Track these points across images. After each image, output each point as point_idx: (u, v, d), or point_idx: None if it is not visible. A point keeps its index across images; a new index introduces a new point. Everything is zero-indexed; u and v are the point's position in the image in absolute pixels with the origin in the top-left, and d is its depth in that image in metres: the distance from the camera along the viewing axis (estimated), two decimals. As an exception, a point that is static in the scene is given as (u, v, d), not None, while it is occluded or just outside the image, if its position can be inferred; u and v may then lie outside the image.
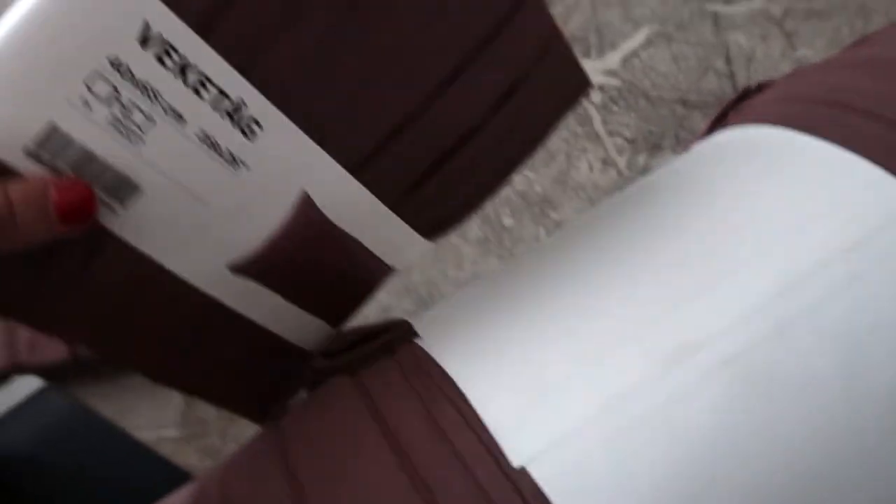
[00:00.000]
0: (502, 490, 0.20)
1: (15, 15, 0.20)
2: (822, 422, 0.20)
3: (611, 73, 0.48)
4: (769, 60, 0.49)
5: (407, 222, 0.28)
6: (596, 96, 0.47)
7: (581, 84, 0.29)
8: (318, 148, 0.25)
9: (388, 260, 0.29)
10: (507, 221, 0.44)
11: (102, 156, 0.22)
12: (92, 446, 0.41)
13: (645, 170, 0.45)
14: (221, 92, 0.23)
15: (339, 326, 0.30)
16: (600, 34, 0.49)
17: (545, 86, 0.28)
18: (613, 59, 0.48)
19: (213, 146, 0.24)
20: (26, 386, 0.46)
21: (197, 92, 0.23)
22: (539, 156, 0.45)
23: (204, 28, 0.22)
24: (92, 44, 0.21)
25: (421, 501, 0.20)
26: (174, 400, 0.39)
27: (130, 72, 0.22)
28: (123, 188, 0.23)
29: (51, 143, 0.22)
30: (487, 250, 0.43)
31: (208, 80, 0.23)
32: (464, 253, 0.43)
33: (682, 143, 0.47)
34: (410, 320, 0.28)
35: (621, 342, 0.22)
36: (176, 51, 0.22)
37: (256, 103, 0.23)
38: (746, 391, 0.21)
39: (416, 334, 0.28)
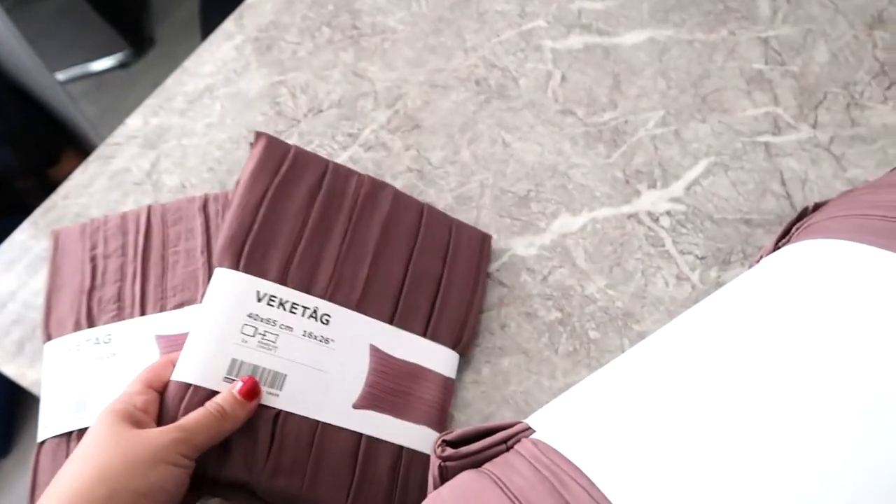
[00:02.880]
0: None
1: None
2: None
3: (676, 200, 0.54)
4: (822, 181, 0.54)
5: (434, 341, 0.45)
6: (665, 220, 0.53)
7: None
8: (365, 316, 0.43)
9: (441, 371, 0.45)
10: (593, 334, 0.48)
11: (260, 365, 0.39)
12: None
13: (718, 283, 0.49)
14: (303, 307, 0.41)
15: (440, 429, 0.44)
16: (663, 168, 0.55)
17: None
18: (677, 188, 0.54)
19: (312, 336, 0.41)
20: None
21: (292, 311, 0.41)
22: (618, 276, 0.50)
23: (281, 280, 0.42)
24: (239, 310, 0.40)
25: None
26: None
27: (258, 316, 0.40)
28: (277, 379, 0.39)
29: (233, 369, 0.39)
30: (577, 362, 0.47)
31: (294, 304, 0.41)
32: (556, 364, 0.47)
33: (748, 258, 0.51)
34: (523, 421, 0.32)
35: (724, 435, 0.26)
36: (275, 297, 0.41)
37: (322, 305, 0.42)
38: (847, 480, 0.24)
39: (532, 431, 0.32)
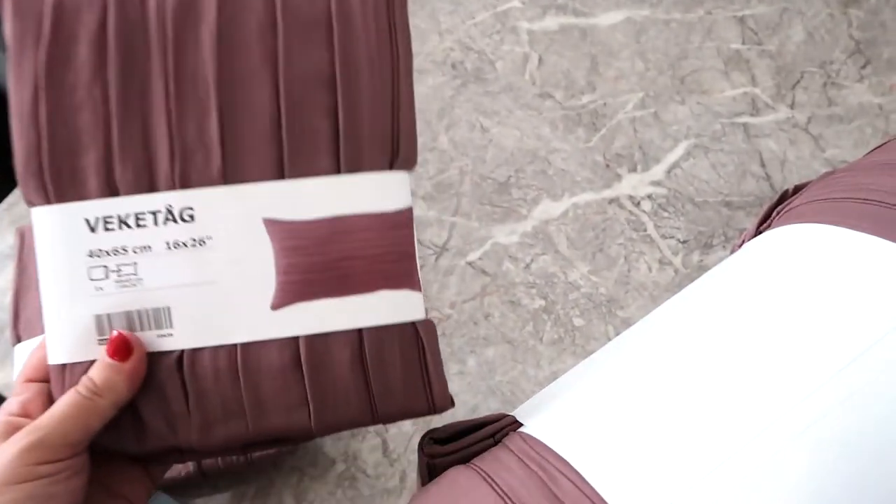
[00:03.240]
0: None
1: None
2: None
3: (657, 183, 0.53)
4: (801, 161, 0.54)
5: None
6: (646, 205, 0.52)
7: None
8: (239, 185, 0.30)
9: (381, 208, 0.31)
10: (578, 322, 0.48)
11: (131, 308, 0.30)
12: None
13: (701, 266, 0.49)
14: (151, 212, 0.30)
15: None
16: (644, 151, 0.55)
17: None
18: (658, 171, 0.54)
19: (179, 245, 0.30)
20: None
21: (140, 225, 0.30)
22: (601, 261, 0.50)
23: (111, 191, 0.30)
24: (74, 253, 0.30)
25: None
26: (290, 504, 0.42)
27: (100, 250, 0.30)
28: (161, 315, 0.30)
29: (102, 327, 0.30)
30: (562, 349, 0.47)
31: (139, 214, 0.30)
32: (541, 353, 0.47)
33: (730, 241, 0.51)
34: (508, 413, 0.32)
35: (712, 420, 0.26)
36: (110, 216, 0.30)
37: (174, 199, 0.30)
38: (828, 455, 0.24)
39: (520, 424, 0.32)
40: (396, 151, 0.31)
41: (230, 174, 0.30)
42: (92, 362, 0.30)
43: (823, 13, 0.61)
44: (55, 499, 0.27)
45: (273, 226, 0.30)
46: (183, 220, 0.30)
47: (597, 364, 0.34)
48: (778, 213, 0.41)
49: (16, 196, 0.55)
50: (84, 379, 0.29)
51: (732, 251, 0.42)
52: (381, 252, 0.31)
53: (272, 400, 0.30)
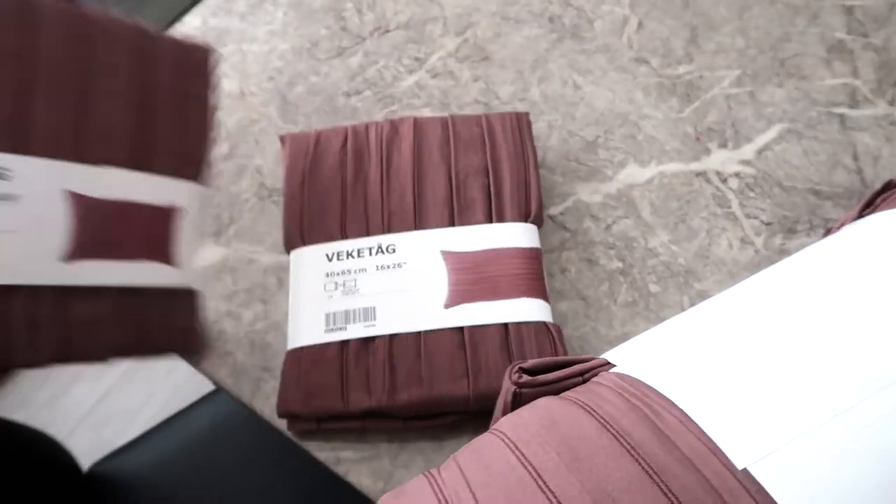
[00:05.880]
0: (729, 485, 0.23)
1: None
2: None
3: (746, 162, 0.52)
4: (895, 159, 0.53)
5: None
6: (733, 182, 0.51)
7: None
8: (425, 230, 0.45)
9: (519, 245, 0.46)
10: (654, 288, 0.47)
11: (349, 308, 0.44)
12: (262, 452, 0.45)
13: (782, 250, 0.48)
14: (367, 247, 0.46)
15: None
16: (736, 129, 0.54)
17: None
18: (749, 150, 0.53)
19: (384, 267, 0.45)
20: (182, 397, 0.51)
21: (360, 256, 0.46)
22: (682, 232, 0.49)
23: (342, 237, 0.48)
24: (317, 274, 0.45)
25: (656, 488, 0.23)
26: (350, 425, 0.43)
27: (333, 272, 0.45)
28: (368, 313, 0.44)
29: (329, 321, 0.44)
30: (635, 313, 0.47)
31: (359, 249, 0.46)
32: (614, 313, 0.47)
33: (814, 229, 0.50)
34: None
35: (830, 373, 0.25)
36: (341, 251, 0.46)
37: (383, 239, 0.45)
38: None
39: (612, 365, 0.31)
40: (528, 213, 0.46)
41: (419, 223, 0.46)
42: (319, 346, 0.43)
43: (936, 13, 0.59)
44: None
45: (447, 255, 0.45)
46: (388, 251, 0.45)
47: (685, 320, 0.33)
48: (884, 199, 0.40)
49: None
50: None
51: (825, 235, 0.41)
52: (520, 273, 0.44)
53: (441, 371, 0.41)
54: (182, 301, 0.43)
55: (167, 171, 0.43)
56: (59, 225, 0.38)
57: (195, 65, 0.46)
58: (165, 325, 0.42)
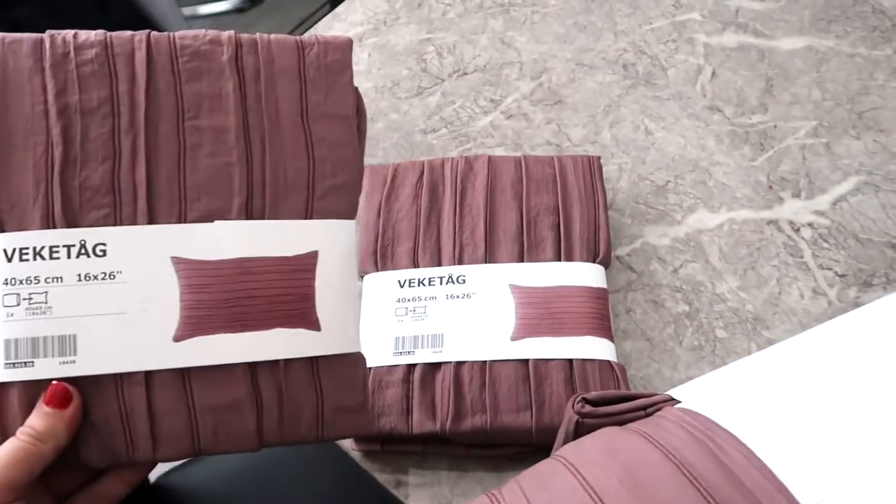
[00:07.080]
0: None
1: None
2: None
3: (820, 213, 0.52)
4: (980, 217, 0.51)
5: None
6: (806, 232, 0.51)
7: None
8: (495, 264, 0.46)
9: (587, 284, 0.46)
10: (720, 333, 0.47)
11: (418, 333, 0.45)
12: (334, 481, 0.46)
13: (856, 303, 0.47)
14: (438, 277, 0.46)
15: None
16: (810, 179, 0.53)
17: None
18: (823, 201, 0.52)
19: (454, 297, 0.45)
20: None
21: (431, 284, 0.46)
22: (751, 279, 0.49)
23: (414, 265, 0.48)
24: (388, 298, 0.46)
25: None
26: (412, 449, 0.44)
27: (405, 298, 0.46)
28: (437, 339, 0.45)
29: (398, 344, 0.45)
30: (701, 357, 0.46)
31: (430, 278, 0.47)
32: (679, 356, 0.46)
33: (891, 283, 0.49)
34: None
35: (892, 424, 0.25)
36: (413, 278, 0.47)
37: (454, 270, 0.46)
38: None
39: (677, 401, 0.31)
40: (597, 253, 0.47)
41: (489, 257, 0.47)
42: (382, 369, 0.44)
43: None
44: None
45: (515, 289, 0.46)
46: (458, 282, 0.46)
47: (757, 361, 0.33)
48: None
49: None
50: (25, 427, 0.31)
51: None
52: (586, 311, 0.45)
53: (506, 402, 0.42)
54: (338, 372, 0.35)
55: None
56: (169, 300, 0.33)
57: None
58: (320, 405, 0.35)
